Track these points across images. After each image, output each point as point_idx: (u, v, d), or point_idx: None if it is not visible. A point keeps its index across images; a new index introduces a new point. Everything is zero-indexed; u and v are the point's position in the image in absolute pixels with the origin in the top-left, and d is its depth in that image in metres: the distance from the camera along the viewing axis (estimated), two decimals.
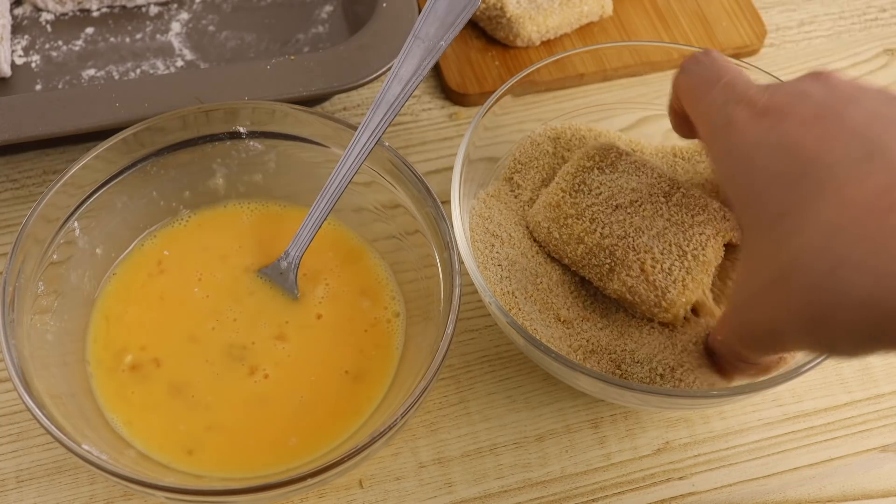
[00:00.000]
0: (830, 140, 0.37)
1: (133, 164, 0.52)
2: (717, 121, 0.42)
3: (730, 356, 0.46)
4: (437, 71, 0.67)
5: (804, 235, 0.37)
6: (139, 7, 0.68)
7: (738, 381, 0.48)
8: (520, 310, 0.50)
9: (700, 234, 0.49)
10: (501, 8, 0.65)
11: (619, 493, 0.51)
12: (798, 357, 0.49)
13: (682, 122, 0.48)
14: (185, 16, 0.67)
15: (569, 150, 0.56)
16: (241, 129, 0.54)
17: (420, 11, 0.55)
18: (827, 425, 0.54)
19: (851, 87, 0.40)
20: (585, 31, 0.68)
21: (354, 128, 0.51)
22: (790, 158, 0.38)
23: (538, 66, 0.55)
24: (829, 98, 0.39)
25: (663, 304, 0.49)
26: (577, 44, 0.68)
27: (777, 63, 0.69)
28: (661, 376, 0.48)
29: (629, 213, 0.50)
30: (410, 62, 0.51)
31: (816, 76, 0.41)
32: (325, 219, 0.52)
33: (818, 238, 0.36)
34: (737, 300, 0.43)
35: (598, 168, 0.52)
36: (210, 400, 0.49)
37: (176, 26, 0.67)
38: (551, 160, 0.56)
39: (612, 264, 0.50)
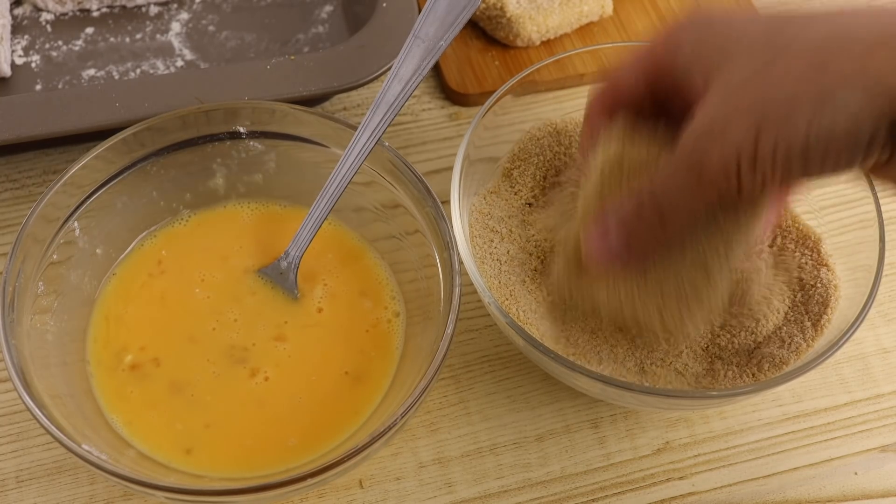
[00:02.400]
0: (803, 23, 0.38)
1: (133, 164, 0.52)
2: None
3: (649, 213, 0.41)
4: (437, 71, 0.67)
5: (797, 27, 0.37)
6: (139, 7, 0.68)
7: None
8: (517, 303, 0.50)
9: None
10: (501, 8, 0.65)
11: (619, 493, 0.51)
12: (798, 361, 0.49)
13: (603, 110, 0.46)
14: (185, 16, 0.67)
15: (569, 146, 0.56)
16: (241, 129, 0.54)
17: (420, 11, 0.55)
18: (827, 425, 0.54)
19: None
20: (585, 31, 0.68)
21: (354, 128, 0.51)
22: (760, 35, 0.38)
23: (538, 66, 0.55)
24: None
25: None
26: (577, 44, 0.68)
27: None
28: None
29: None
30: (410, 62, 0.51)
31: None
32: (325, 219, 0.52)
33: (815, 23, 0.37)
34: (700, 116, 0.39)
35: None
36: (209, 399, 0.49)
37: (176, 26, 0.67)
38: (551, 156, 0.56)
39: None
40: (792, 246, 0.53)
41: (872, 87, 0.34)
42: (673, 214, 0.40)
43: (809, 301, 0.51)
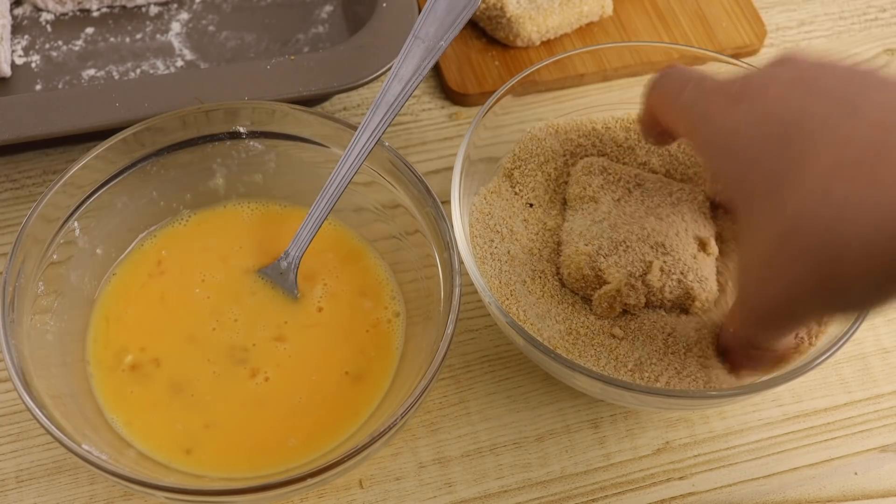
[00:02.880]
0: (810, 103, 0.39)
1: (133, 164, 0.52)
2: (695, 116, 0.44)
3: (745, 348, 0.47)
4: (437, 71, 0.67)
5: (802, 190, 0.37)
6: (139, 7, 0.68)
7: (750, 379, 0.48)
8: (517, 303, 0.50)
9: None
10: (501, 8, 0.65)
11: (619, 493, 0.51)
12: (801, 357, 0.49)
13: (653, 131, 0.50)
14: (185, 16, 0.67)
15: (569, 146, 0.56)
16: (241, 129, 0.54)
17: (420, 11, 0.55)
18: (827, 425, 0.54)
19: (818, 62, 0.41)
20: (585, 31, 0.68)
21: (354, 128, 0.51)
22: (774, 127, 0.39)
23: (538, 66, 0.55)
24: (800, 73, 0.40)
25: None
26: (577, 44, 0.68)
27: None
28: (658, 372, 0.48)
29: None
30: (410, 62, 0.51)
31: (782, 61, 0.42)
32: (325, 219, 0.52)
33: (817, 188, 0.37)
34: (744, 283, 0.43)
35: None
36: (209, 399, 0.49)
37: (176, 26, 0.67)
38: (552, 156, 0.56)
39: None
40: None
41: None
42: (765, 342, 0.47)
43: None
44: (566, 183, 0.56)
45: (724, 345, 0.49)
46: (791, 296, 0.40)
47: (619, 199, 0.53)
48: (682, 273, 0.50)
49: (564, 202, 0.56)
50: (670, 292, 0.50)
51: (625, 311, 0.51)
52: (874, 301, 0.38)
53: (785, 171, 0.38)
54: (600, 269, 0.50)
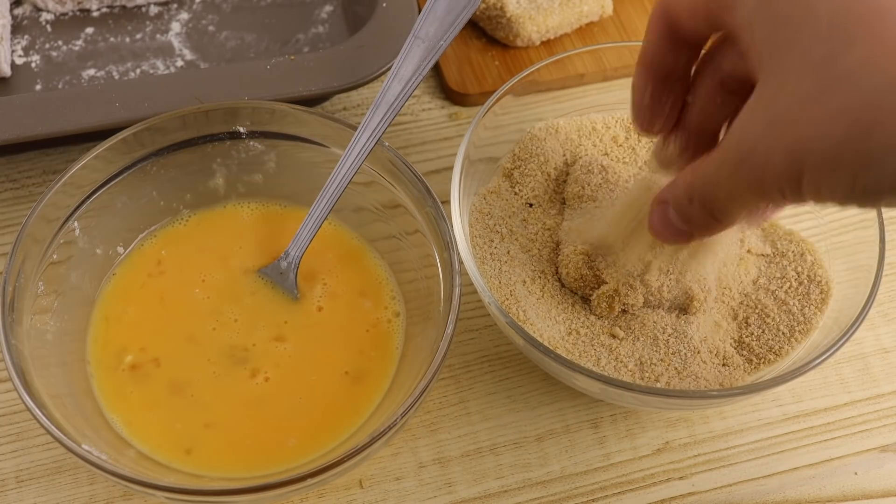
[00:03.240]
0: None
1: (133, 164, 0.52)
2: None
3: (688, 202, 0.42)
4: (437, 71, 0.67)
5: (865, 48, 0.35)
6: (139, 7, 0.68)
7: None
8: (517, 303, 0.50)
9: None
10: (501, 8, 0.65)
11: (619, 493, 0.51)
12: (797, 355, 0.49)
13: (667, 42, 0.44)
14: (185, 16, 0.67)
15: (569, 145, 0.56)
16: (241, 129, 0.54)
17: (420, 11, 0.55)
18: (827, 425, 0.54)
19: None
20: (585, 31, 0.68)
21: (354, 128, 0.51)
22: None
23: (538, 66, 0.55)
24: None
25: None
26: (577, 44, 0.68)
27: None
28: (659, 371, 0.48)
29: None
30: (410, 62, 0.51)
31: None
32: (325, 219, 0.52)
33: (883, 51, 0.34)
34: (746, 129, 0.39)
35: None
36: (209, 399, 0.49)
37: (176, 26, 0.67)
38: (552, 156, 0.56)
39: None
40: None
41: None
42: (722, 211, 0.41)
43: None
44: (566, 182, 0.56)
45: (664, 195, 0.44)
46: (800, 151, 0.36)
47: (617, 199, 0.53)
48: (680, 273, 0.50)
49: (564, 202, 0.56)
50: (668, 292, 0.50)
51: (624, 311, 0.51)
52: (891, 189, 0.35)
53: (850, 24, 0.35)
54: (598, 269, 0.50)
